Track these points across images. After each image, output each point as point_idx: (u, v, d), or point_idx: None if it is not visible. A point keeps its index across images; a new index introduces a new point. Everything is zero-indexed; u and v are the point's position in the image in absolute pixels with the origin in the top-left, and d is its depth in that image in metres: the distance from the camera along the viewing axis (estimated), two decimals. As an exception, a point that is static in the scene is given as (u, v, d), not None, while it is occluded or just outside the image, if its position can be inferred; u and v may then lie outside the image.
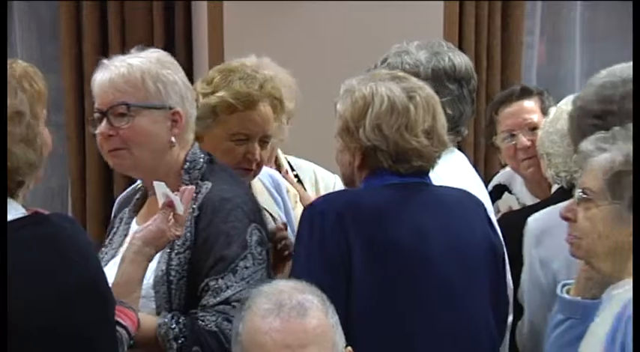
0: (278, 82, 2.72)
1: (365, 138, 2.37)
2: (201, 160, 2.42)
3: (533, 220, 2.62)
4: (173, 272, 2.29)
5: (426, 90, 2.43)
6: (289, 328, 1.87)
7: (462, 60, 2.81)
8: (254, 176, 2.70)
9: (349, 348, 1.97)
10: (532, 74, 4.64)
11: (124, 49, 2.60)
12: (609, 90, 2.45)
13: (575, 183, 2.59)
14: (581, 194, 2.09)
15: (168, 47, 4.22)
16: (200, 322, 2.22)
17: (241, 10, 4.12)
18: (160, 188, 2.25)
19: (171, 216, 2.21)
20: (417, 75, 2.60)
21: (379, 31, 3.89)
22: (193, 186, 2.32)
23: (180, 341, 2.20)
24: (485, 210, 2.54)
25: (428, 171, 2.44)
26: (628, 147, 2.03)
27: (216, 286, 2.25)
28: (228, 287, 2.25)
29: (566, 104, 2.80)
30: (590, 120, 2.44)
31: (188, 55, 4.28)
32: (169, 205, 2.22)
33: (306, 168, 3.08)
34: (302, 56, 4.02)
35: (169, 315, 2.25)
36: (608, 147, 2.06)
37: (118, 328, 2.07)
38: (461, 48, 4.08)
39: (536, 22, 4.63)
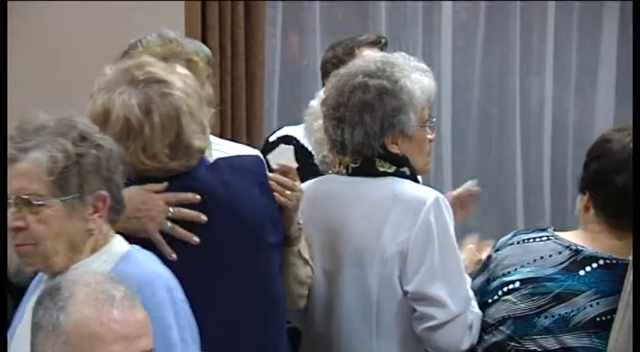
0: None
1: None
2: None
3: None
4: None
5: (170, 97, 2.26)
6: (125, 318, 1.79)
7: None
8: None
9: None
10: (276, 63, 4.69)
11: None
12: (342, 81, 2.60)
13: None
14: (27, 199, 2.02)
15: None
16: None
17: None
18: None
19: None
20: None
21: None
22: None
23: None
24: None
25: None
26: (61, 145, 2.02)
27: None
28: None
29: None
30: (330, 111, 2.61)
31: None
32: None
33: None
34: (49, 54, 3.99)
35: None
36: (29, 146, 2.02)
37: None
38: (204, 36, 4.09)
39: (278, 12, 4.69)
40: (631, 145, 2.58)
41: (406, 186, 2.57)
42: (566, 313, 2.54)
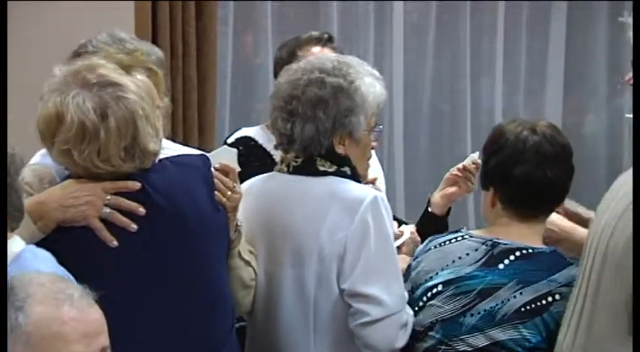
0: None
1: (56, 160, 2.28)
2: None
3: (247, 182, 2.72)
4: None
5: (125, 101, 2.23)
6: (86, 317, 1.77)
7: None
8: None
9: None
10: (228, 62, 4.68)
11: None
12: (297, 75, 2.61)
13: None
14: None
15: None
16: None
17: None
18: None
19: None
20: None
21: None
22: None
23: None
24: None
25: None
26: None
27: None
28: None
29: None
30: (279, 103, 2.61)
31: None
32: None
33: None
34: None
35: None
36: None
37: None
38: (155, 36, 4.08)
39: (230, 12, 4.68)
40: (523, 134, 2.63)
41: (345, 185, 2.58)
42: (491, 308, 2.57)
